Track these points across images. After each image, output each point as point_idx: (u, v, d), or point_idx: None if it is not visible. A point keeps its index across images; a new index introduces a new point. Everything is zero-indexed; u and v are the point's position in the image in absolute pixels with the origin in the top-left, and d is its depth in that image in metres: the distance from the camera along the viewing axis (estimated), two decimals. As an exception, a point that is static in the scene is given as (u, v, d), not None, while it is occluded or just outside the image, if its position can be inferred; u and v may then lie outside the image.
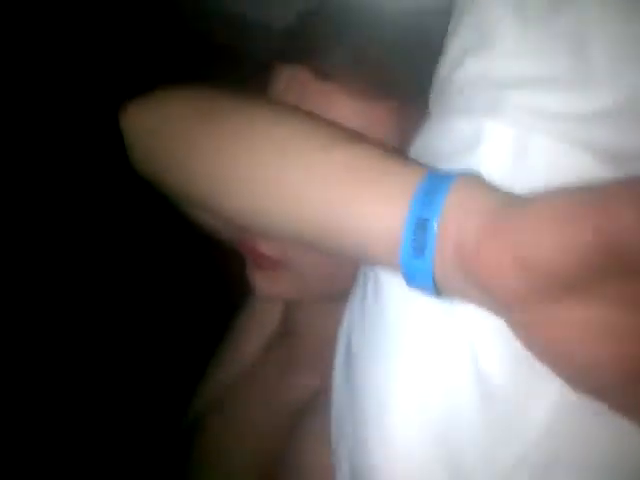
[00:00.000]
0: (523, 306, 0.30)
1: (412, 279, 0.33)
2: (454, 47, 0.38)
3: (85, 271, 1.15)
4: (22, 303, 1.11)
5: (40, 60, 1.08)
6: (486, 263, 0.29)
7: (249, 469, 0.56)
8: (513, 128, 0.35)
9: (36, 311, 1.11)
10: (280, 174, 0.37)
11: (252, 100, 0.43)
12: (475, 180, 0.33)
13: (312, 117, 0.40)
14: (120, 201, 1.11)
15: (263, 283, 0.53)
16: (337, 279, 0.52)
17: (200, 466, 0.62)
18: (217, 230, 0.61)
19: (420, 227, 0.31)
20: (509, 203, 0.30)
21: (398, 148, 0.43)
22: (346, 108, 0.46)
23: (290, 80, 0.50)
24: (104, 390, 1.11)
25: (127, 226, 1.14)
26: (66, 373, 1.11)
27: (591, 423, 0.32)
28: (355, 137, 0.38)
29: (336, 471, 0.40)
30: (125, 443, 1.05)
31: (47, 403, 1.05)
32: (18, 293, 1.10)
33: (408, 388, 0.36)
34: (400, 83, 0.48)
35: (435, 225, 0.31)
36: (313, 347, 0.59)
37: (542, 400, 0.33)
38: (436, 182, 0.32)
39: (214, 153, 0.40)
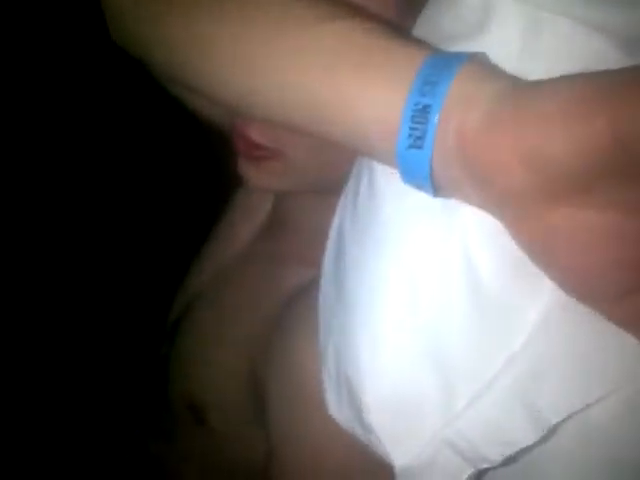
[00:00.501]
0: (522, 203, 0.27)
1: (408, 172, 0.30)
2: None
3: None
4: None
5: None
6: (487, 153, 0.27)
7: (238, 356, 0.56)
8: (526, 5, 0.31)
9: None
10: (268, 52, 0.34)
11: None
12: (482, 64, 0.30)
13: None
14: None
15: (253, 173, 0.51)
16: (330, 170, 0.49)
17: (187, 354, 0.63)
18: (208, 114, 0.57)
19: (420, 114, 0.28)
20: (517, 90, 0.28)
21: (398, 26, 0.39)
22: None
23: None
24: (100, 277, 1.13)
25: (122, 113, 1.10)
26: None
27: (582, 328, 0.31)
28: (352, 11, 0.34)
29: (322, 368, 0.39)
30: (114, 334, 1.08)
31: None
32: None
33: (398, 288, 0.34)
34: None
35: (437, 112, 0.28)
36: (303, 239, 0.58)
37: (533, 303, 0.32)
38: (440, 66, 0.29)
39: (198, 27, 0.36)
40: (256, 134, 0.48)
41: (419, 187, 0.31)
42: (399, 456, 0.34)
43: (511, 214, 0.29)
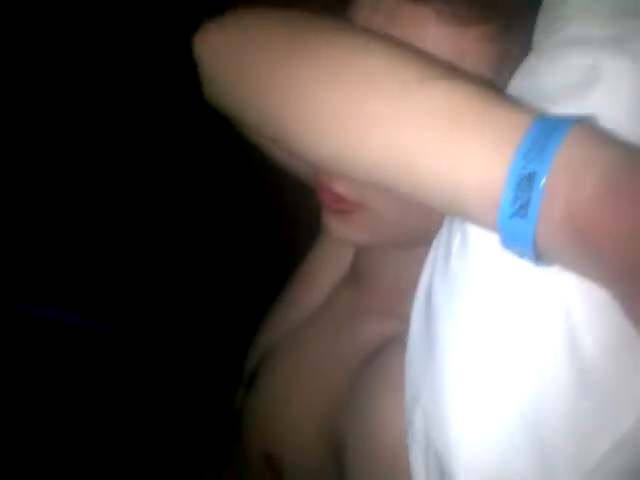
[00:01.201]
0: (634, 280, 0.26)
1: (510, 241, 0.29)
2: None
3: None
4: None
5: None
6: (604, 228, 0.25)
7: (316, 414, 0.55)
8: (635, 64, 0.30)
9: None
10: (364, 113, 0.33)
11: (337, 26, 0.39)
12: (591, 128, 0.28)
13: (401, 47, 0.36)
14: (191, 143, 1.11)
15: (337, 226, 0.50)
16: (415, 226, 0.48)
17: (265, 409, 0.62)
18: (293, 167, 0.58)
19: (525, 182, 0.27)
20: (632, 158, 0.26)
21: (497, 85, 0.37)
22: (437, 35, 0.41)
23: (375, 3, 0.44)
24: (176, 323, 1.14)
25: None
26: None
27: None
28: (451, 72, 0.33)
29: (409, 435, 0.37)
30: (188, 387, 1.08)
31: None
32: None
33: (495, 357, 0.32)
34: (499, 5, 0.42)
35: (543, 181, 0.27)
36: (384, 292, 0.57)
37: None
38: (546, 130, 0.28)
39: (295, 85, 0.36)
40: (341, 187, 0.47)
41: (520, 255, 0.30)
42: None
43: (626, 290, 0.27)
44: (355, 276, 0.62)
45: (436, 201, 0.32)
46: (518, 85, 0.36)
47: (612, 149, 0.27)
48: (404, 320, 0.50)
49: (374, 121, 0.33)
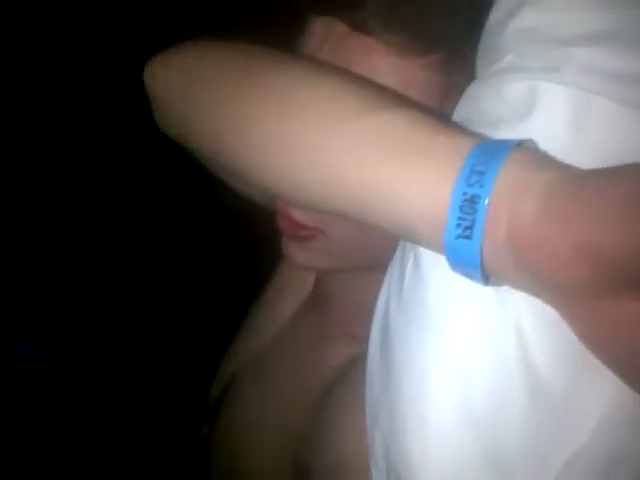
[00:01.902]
0: (583, 297, 0.26)
1: (457, 262, 0.30)
2: None
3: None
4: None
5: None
6: (543, 250, 0.26)
7: (281, 439, 0.55)
8: (572, 89, 0.31)
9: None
10: (314, 143, 0.34)
11: (286, 58, 0.40)
12: (530, 152, 0.29)
13: (349, 77, 0.37)
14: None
15: (296, 253, 0.50)
16: (372, 249, 0.49)
17: (228, 433, 0.61)
18: (250, 195, 0.58)
19: (468, 204, 0.28)
20: (570, 181, 0.27)
21: (442, 113, 0.39)
22: (384, 65, 0.42)
23: (324, 33, 0.45)
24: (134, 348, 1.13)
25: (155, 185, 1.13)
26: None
27: None
28: (396, 100, 0.34)
29: (370, 459, 0.37)
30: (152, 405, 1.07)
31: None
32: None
33: (449, 378, 0.33)
34: (443, 36, 0.43)
35: (486, 203, 0.27)
36: (346, 318, 0.57)
37: (596, 396, 0.30)
38: (487, 154, 0.29)
39: (245, 117, 0.37)
40: (298, 214, 0.48)
41: (469, 276, 0.30)
42: None
43: (571, 308, 0.28)
44: (317, 300, 0.62)
45: (385, 226, 0.33)
46: (461, 113, 0.37)
47: (549, 171, 0.28)
48: (366, 343, 0.50)
49: (317, 152, 0.33)
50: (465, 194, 0.28)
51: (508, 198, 0.27)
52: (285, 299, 0.66)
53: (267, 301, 0.68)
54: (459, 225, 0.28)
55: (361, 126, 0.32)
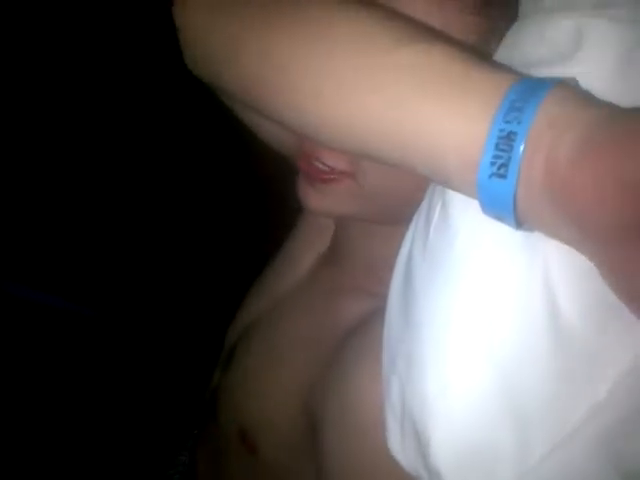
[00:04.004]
0: (619, 238, 0.25)
1: (489, 204, 0.29)
2: None
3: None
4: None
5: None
6: (582, 187, 0.25)
7: (292, 388, 0.55)
8: (621, 27, 0.30)
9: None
10: (344, 79, 0.33)
11: None
12: (572, 90, 0.28)
13: (383, 12, 0.35)
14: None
15: (314, 198, 0.49)
16: (398, 198, 0.48)
17: (241, 382, 0.61)
18: (274, 138, 0.57)
19: (504, 141, 0.27)
20: (612, 117, 0.26)
21: (480, 52, 0.37)
22: (421, 5, 0.41)
23: None
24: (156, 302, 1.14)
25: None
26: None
27: None
28: (431, 35, 0.33)
29: (385, 403, 0.37)
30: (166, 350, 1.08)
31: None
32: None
33: (472, 325, 0.32)
34: None
35: (523, 140, 0.26)
36: (363, 270, 0.56)
37: (621, 350, 0.29)
38: (527, 91, 0.27)
39: (274, 56, 0.36)
40: (328, 156, 0.46)
41: (499, 219, 0.30)
42: (468, 505, 0.31)
43: (605, 251, 0.27)
44: (334, 255, 0.61)
45: (417, 165, 0.32)
46: (503, 55, 0.36)
47: (592, 109, 0.27)
48: (382, 299, 0.50)
49: (347, 89, 0.32)
50: (502, 130, 0.27)
51: (548, 135, 0.26)
52: (302, 253, 0.65)
53: (284, 255, 0.68)
54: (493, 163, 0.27)
55: (393, 61, 0.31)
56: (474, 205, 0.30)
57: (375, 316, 0.50)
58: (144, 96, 1.09)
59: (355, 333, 0.51)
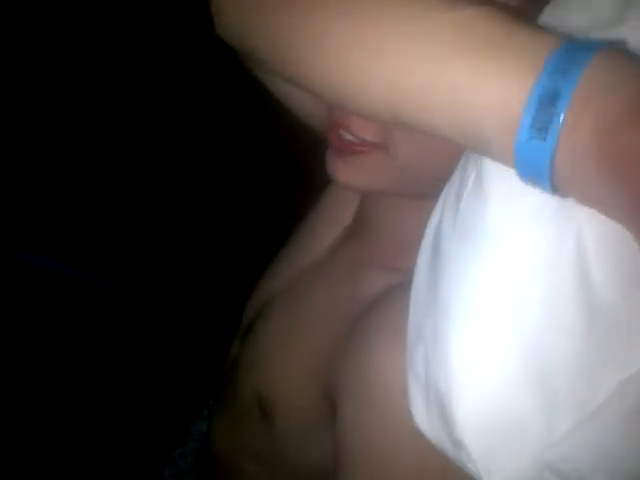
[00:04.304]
0: None
1: (526, 166, 0.28)
2: None
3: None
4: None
5: None
6: (633, 151, 0.24)
7: (311, 359, 0.55)
8: None
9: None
10: (379, 40, 0.32)
11: None
12: (621, 52, 0.27)
13: None
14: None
15: (346, 170, 0.48)
16: (431, 177, 0.47)
17: (261, 352, 0.62)
18: (304, 110, 0.56)
19: (547, 102, 0.26)
20: None
21: (525, 16, 0.36)
22: None
23: None
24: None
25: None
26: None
27: None
28: (472, 1, 0.32)
29: (409, 374, 0.37)
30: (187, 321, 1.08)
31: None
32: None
33: (501, 296, 0.32)
34: None
35: (568, 100, 0.25)
36: (387, 245, 0.56)
37: None
38: (573, 52, 0.27)
39: (306, 14, 0.35)
40: (358, 126, 0.46)
41: (535, 184, 0.29)
42: (492, 477, 0.31)
43: None
44: (358, 229, 0.61)
45: (450, 131, 0.31)
46: (548, 18, 0.35)
47: None
48: (406, 273, 0.49)
49: (391, 46, 0.31)
50: (545, 90, 0.26)
51: (596, 97, 0.25)
52: (325, 227, 0.65)
53: (306, 228, 0.67)
54: (534, 125, 0.26)
55: (435, 21, 0.30)
56: (509, 175, 0.30)
57: (398, 290, 0.50)
58: (174, 72, 1.09)
59: (377, 307, 0.51)
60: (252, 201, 1.13)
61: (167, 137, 1.14)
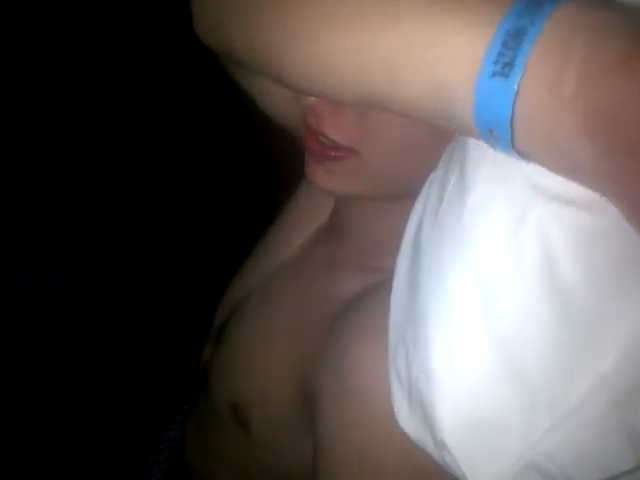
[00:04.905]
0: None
1: (486, 110, 0.25)
2: None
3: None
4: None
5: None
6: (604, 100, 0.22)
7: (285, 360, 0.55)
8: None
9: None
10: (340, 17, 0.30)
11: None
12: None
13: None
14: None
15: (322, 177, 0.48)
16: (406, 178, 0.47)
17: (234, 354, 0.61)
18: (280, 113, 0.56)
19: (513, 38, 0.24)
20: None
21: None
22: None
23: None
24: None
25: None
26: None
27: None
28: None
29: (391, 374, 0.37)
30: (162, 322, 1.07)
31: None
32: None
33: (473, 292, 0.32)
34: None
35: (534, 35, 0.23)
36: (361, 245, 0.56)
37: (625, 320, 0.28)
38: None
39: (279, 5, 0.34)
40: (332, 131, 0.46)
41: (496, 140, 0.26)
42: (476, 477, 0.31)
43: (631, 176, 0.23)
44: (333, 229, 0.61)
45: (417, 98, 0.29)
46: None
47: (617, 12, 0.23)
48: (382, 274, 0.49)
49: (359, 22, 0.30)
50: (511, 28, 0.24)
51: (581, 35, 0.23)
52: (300, 226, 0.64)
53: (280, 227, 0.67)
54: (497, 61, 0.24)
55: None
56: (491, 177, 0.29)
57: (374, 289, 0.50)
58: (158, 79, 1.08)
59: (354, 306, 0.51)
60: (223, 200, 1.12)
61: (139, 135, 1.13)
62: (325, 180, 0.48)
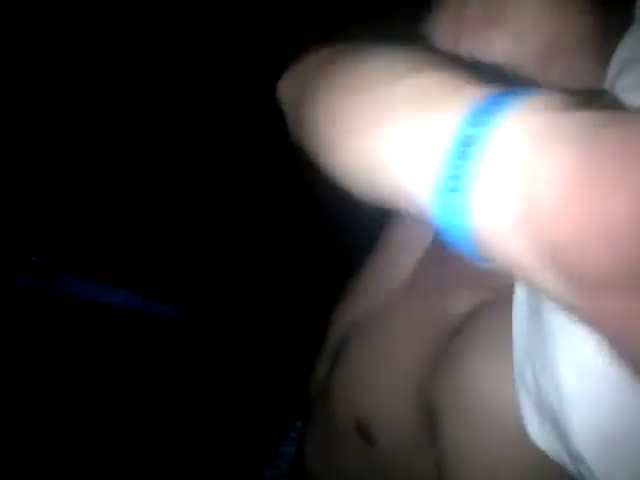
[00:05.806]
0: (625, 291, 0.19)
1: (444, 226, 0.24)
2: None
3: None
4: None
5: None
6: (573, 225, 0.19)
7: (406, 380, 0.57)
8: None
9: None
10: (353, 119, 0.31)
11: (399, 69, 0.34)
12: (556, 97, 0.23)
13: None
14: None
15: None
16: None
17: (354, 377, 0.64)
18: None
19: (462, 150, 0.23)
20: (609, 120, 0.20)
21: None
22: (542, 8, 0.42)
23: (455, 13, 0.45)
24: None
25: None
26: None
27: None
28: (439, 66, 0.30)
29: (520, 393, 0.39)
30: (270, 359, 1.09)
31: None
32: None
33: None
34: None
35: (484, 144, 0.22)
36: (471, 269, 0.57)
37: None
38: (501, 97, 0.24)
39: (340, 123, 0.34)
40: None
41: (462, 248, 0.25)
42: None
43: (602, 305, 0.20)
44: (439, 250, 0.63)
45: (388, 200, 0.29)
46: (624, 55, 0.36)
47: (579, 116, 0.21)
48: (492, 292, 0.51)
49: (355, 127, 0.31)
50: (461, 136, 0.23)
51: (522, 145, 0.21)
52: (403, 253, 0.67)
53: (385, 254, 0.69)
54: (448, 174, 0.23)
55: (390, 94, 0.29)
56: None
57: (487, 307, 0.52)
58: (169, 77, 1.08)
59: (468, 323, 0.53)
60: (322, 226, 1.14)
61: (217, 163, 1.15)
62: None
